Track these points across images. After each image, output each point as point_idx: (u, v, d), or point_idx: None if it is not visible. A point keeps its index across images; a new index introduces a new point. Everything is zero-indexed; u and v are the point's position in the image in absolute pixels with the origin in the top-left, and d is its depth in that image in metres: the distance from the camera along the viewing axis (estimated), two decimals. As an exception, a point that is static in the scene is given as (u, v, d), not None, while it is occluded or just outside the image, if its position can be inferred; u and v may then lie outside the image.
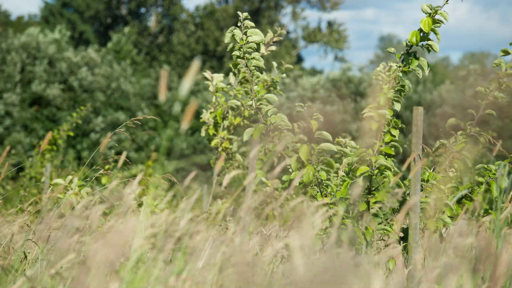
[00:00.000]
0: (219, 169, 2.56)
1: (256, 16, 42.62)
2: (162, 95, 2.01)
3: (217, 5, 42.18)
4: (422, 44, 4.66)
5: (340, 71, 31.95)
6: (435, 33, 4.63)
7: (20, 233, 4.51)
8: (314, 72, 41.64)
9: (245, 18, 4.79)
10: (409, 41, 4.63)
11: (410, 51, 4.66)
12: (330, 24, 44.88)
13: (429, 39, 4.66)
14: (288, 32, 43.90)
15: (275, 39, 6.94)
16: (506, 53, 4.88)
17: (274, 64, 7.08)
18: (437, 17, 4.64)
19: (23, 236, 4.12)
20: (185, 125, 2.09)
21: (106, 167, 8.03)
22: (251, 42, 4.72)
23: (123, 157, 3.26)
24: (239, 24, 4.77)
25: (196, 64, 2.04)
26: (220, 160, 2.67)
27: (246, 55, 4.72)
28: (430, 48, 4.67)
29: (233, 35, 4.74)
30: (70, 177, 6.00)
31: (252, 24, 4.75)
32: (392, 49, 4.69)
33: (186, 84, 2.04)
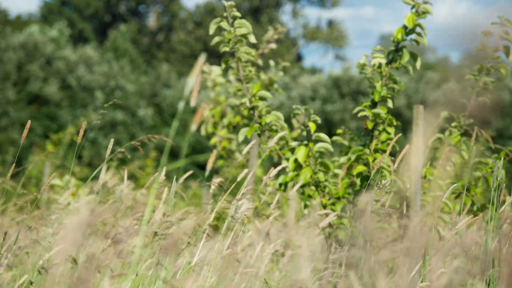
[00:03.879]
0: (211, 165, 2.51)
1: (256, 14, 42.56)
2: (194, 100, 1.95)
3: (217, 3, 42.12)
4: (411, 38, 4.61)
5: (341, 70, 31.90)
6: (421, 28, 4.58)
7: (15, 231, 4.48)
8: (314, 70, 41.60)
9: (232, 6, 4.55)
10: (395, 38, 4.59)
11: (399, 46, 4.62)
12: (330, 22, 44.84)
13: (417, 33, 4.60)
14: (288, 31, 43.83)
15: (275, 37, 6.88)
16: (487, 34, 4.78)
17: (272, 63, 7.01)
18: (421, 10, 4.57)
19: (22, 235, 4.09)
20: (194, 127, 2.04)
21: (110, 163, 8.00)
22: (240, 35, 4.53)
23: (110, 146, 3.22)
24: (225, 15, 4.57)
25: (201, 61, 1.99)
26: (212, 157, 2.63)
27: (236, 47, 4.55)
28: (418, 42, 4.61)
29: (219, 27, 4.54)
30: (67, 176, 5.97)
31: (239, 14, 4.52)
32: (378, 47, 4.65)
33: (191, 82, 1.99)
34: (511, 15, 4.80)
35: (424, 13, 4.56)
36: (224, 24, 4.53)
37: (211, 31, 4.46)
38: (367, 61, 4.63)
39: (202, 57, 1.95)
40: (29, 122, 3.04)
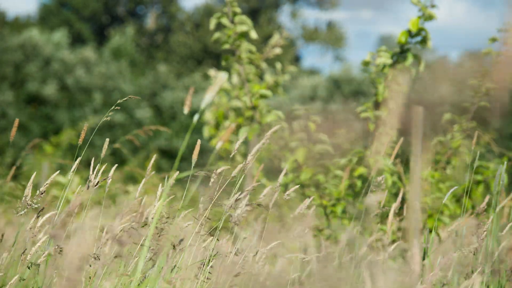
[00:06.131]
0: (196, 158, 2.49)
1: (255, 15, 42.53)
2: (187, 108, 1.96)
3: (216, 4, 42.08)
4: (417, 40, 4.63)
5: (340, 70, 31.90)
6: (426, 32, 4.59)
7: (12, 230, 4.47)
8: (313, 71, 41.60)
9: (232, 2, 4.51)
10: (398, 41, 4.60)
11: (404, 49, 4.62)
12: (329, 23, 44.85)
13: (422, 36, 4.61)
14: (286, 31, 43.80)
15: (281, 42, 6.85)
16: (494, 40, 4.81)
17: (278, 65, 6.99)
18: (426, 15, 4.59)
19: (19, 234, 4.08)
20: (219, 144, 2.03)
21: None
22: (240, 31, 4.49)
23: (106, 145, 3.21)
24: (225, 10, 4.53)
25: (221, 78, 1.99)
26: (197, 148, 2.60)
27: (237, 44, 4.52)
28: (423, 45, 4.63)
29: (219, 23, 4.50)
30: (70, 174, 5.95)
31: (239, 10, 4.46)
32: (383, 47, 4.66)
33: (208, 97, 1.99)
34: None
35: (430, 17, 4.58)
36: (224, 20, 4.49)
37: (212, 26, 4.41)
38: (372, 59, 4.63)
39: (223, 76, 1.96)
40: (17, 120, 3.02)
